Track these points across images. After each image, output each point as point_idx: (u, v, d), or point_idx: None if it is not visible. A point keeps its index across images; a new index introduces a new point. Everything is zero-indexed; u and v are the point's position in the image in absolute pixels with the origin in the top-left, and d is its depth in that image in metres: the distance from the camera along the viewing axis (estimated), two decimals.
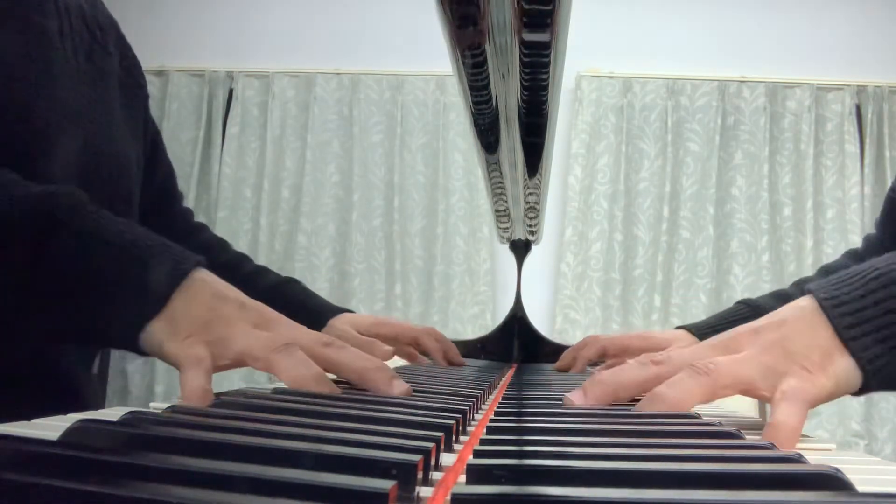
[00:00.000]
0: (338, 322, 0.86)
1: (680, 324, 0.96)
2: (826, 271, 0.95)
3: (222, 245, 0.90)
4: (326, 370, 0.49)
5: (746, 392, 0.46)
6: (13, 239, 0.47)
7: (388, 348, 0.75)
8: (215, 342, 0.48)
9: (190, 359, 0.46)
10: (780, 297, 0.87)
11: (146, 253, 0.49)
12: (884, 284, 0.44)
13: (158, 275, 0.48)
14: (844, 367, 0.43)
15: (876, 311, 0.43)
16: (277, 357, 0.47)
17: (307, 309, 0.87)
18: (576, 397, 0.48)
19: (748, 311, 0.90)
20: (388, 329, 0.88)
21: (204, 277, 0.50)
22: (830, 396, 0.44)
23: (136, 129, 0.77)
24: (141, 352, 0.49)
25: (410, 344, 0.91)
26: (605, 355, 0.90)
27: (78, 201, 0.50)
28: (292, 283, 0.90)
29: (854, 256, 0.96)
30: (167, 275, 0.48)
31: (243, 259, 0.90)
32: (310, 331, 0.52)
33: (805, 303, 0.46)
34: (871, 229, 1.02)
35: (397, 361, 0.89)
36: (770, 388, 0.44)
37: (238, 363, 0.48)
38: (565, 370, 0.93)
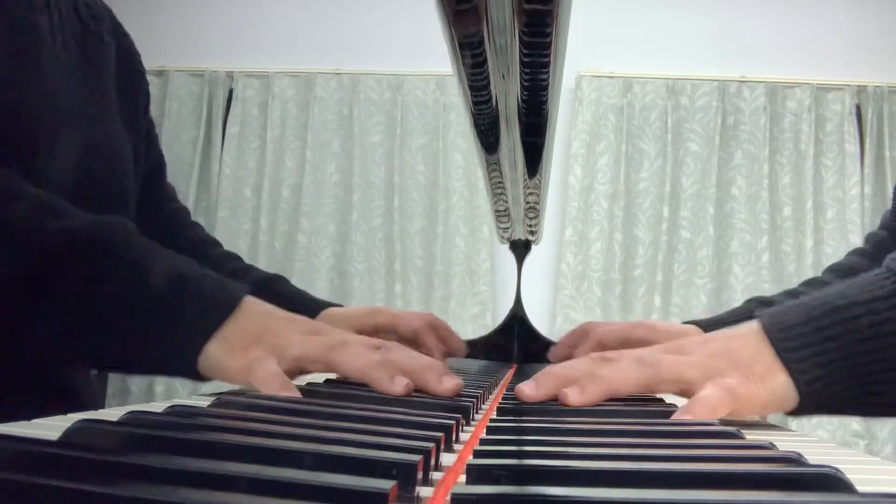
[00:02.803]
0: (328, 318, 0.83)
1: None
2: (832, 271, 0.94)
3: (212, 243, 0.89)
4: None
5: (685, 391, 0.48)
6: (68, 269, 0.49)
7: None
8: (273, 350, 0.49)
9: (255, 359, 0.48)
10: (792, 296, 0.87)
11: (199, 281, 0.51)
12: (825, 313, 0.47)
13: (212, 301, 0.50)
14: (782, 383, 0.46)
15: (816, 337, 0.46)
16: (335, 354, 0.49)
17: (291, 304, 0.86)
18: (528, 388, 0.49)
19: (759, 307, 0.89)
20: (384, 318, 0.83)
21: (252, 301, 0.52)
22: (762, 406, 0.47)
23: (133, 120, 0.76)
24: (198, 376, 0.50)
25: (409, 337, 0.85)
26: (604, 348, 0.88)
27: (130, 232, 0.52)
28: (279, 279, 0.89)
29: (862, 255, 0.95)
30: (220, 300, 0.50)
31: (232, 256, 0.89)
32: (358, 335, 0.53)
33: (753, 325, 0.49)
34: (870, 229, 1.01)
35: None
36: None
37: (296, 369, 0.50)
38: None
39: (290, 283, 0.89)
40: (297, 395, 0.46)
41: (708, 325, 0.87)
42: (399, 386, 0.46)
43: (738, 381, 0.46)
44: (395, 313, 0.84)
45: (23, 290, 0.48)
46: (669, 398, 0.64)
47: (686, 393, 0.49)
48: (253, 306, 0.52)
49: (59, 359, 0.53)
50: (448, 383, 0.49)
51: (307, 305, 0.85)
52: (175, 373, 0.51)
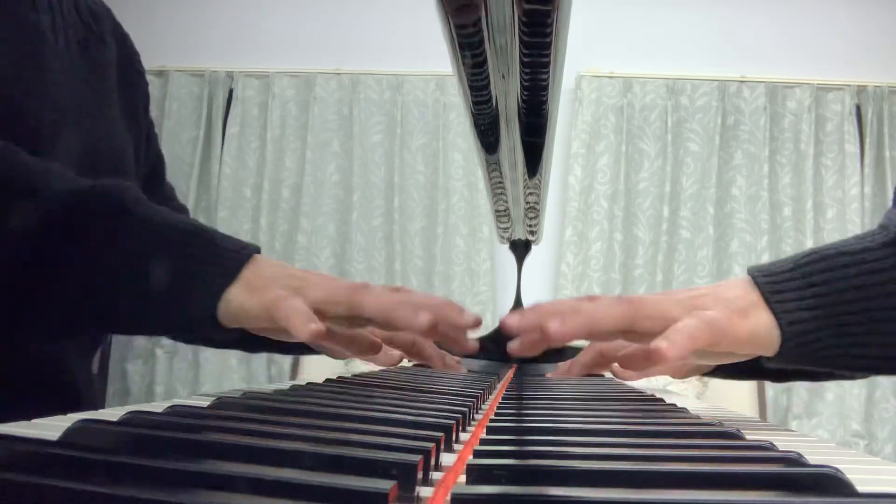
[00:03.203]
0: None
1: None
2: None
3: None
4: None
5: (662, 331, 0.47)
6: (81, 228, 0.48)
7: (396, 353, 0.74)
8: (294, 290, 0.48)
9: (277, 297, 0.47)
10: None
11: (214, 234, 0.51)
12: (812, 261, 0.47)
13: (229, 250, 0.50)
14: (765, 321, 0.46)
15: (801, 283, 0.46)
16: (358, 295, 0.48)
17: None
18: (511, 319, 0.47)
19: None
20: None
21: (265, 257, 0.52)
22: (744, 341, 0.46)
23: (134, 120, 0.76)
24: (218, 326, 0.49)
25: (406, 346, 0.81)
26: (604, 357, 0.88)
27: (139, 193, 0.52)
28: None
29: None
30: (236, 250, 0.50)
31: None
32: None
33: (740, 277, 0.50)
34: (871, 229, 1.00)
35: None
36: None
37: (318, 311, 0.48)
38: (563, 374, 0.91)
39: None
40: (323, 328, 0.45)
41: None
42: (423, 319, 0.46)
43: (720, 313, 0.46)
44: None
45: (37, 251, 0.48)
46: (670, 399, 0.64)
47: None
48: (268, 260, 0.52)
49: (77, 323, 0.52)
50: (469, 316, 0.48)
51: None
52: (195, 324, 0.50)
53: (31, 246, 0.48)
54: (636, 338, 0.48)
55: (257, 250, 0.52)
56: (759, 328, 0.46)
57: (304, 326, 0.45)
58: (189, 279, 0.48)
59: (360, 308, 0.48)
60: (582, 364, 0.88)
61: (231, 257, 0.50)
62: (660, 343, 0.43)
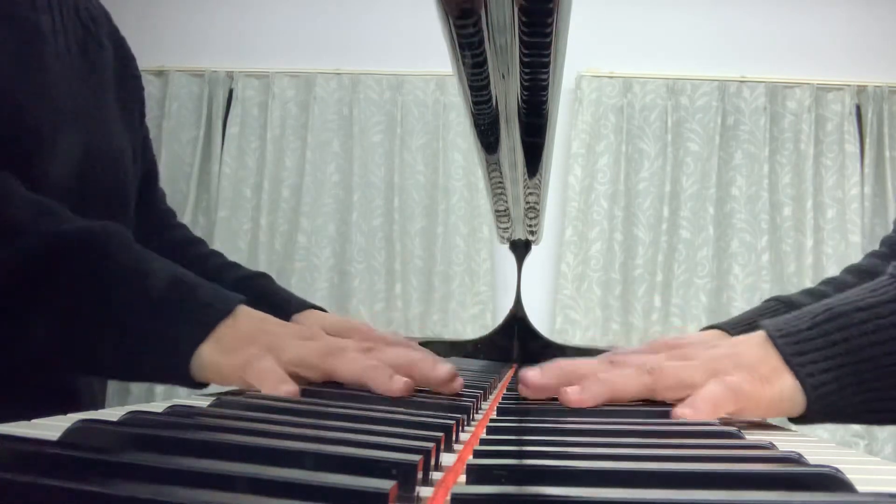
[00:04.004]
0: (306, 320, 0.82)
1: (680, 324, 0.94)
2: (851, 272, 0.92)
3: (197, 241, 0.88)
4: None
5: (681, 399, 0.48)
6: (62, 272, 0.48)
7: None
8: (268, 350, 0.49)
9: (251, 356, 0.47)
10: (812, 294, 0.86)
11: (194, 287, 0.51)
12: (829, 318, 0.47)
13: (206, 304, 0.50)
14: (790, 385, 0.46)
15: (821, 342, 0.46)
16: (332, 360, 0.49)
17: (272, 302, 0.83)
18: (532, 374, 0.50)
19: (780, 306, 0.88)
20: (358, 336, 0.83)
21: (247, 309, 0.52)
22: (768, 408, 0.46)
23: (131, 123, 0.76)
24: (192, 381, 0.49)
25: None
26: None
27: (125, 237, 0.51)
28: (262, 276, 0.87)
29: (881, 257, 0.94)
30: (215, 303, 0.50)
31: (216, 254, 0.88)
32: (351, 340, 0.53)
33: (758, 333, 0.49)
34: (871, 229, 1.00)
35: None
36: None
37: (292, 372, 0.49)
38: None
39: (274, 281, 0.87)
40: (296, 389, 0.45)
41: (731, 329, 0.87)
42: (398, 384, 0.46)
43: (743, 379, 0.46)
44: (369, 335, 0.82)
45: (16, 292, 0.48)
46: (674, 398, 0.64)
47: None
48: (248, 312, 0.51)
49: (53, 364, 0.52)
50: (442, 369, 0.49)
51: (289, 304, 0.84)
52: (169, 378, 0.50)
53: (12, 283, 0.48)
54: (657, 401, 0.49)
55: (241, 301, 0.52)
56: (784, 394, 0.46)
57: (276, 389, 0.45)
58: (163, 333, 0.48)
59: (333, 374, 0.49)
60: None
61: (207, 312, 0.49)
62: (684, 410, 0.44)
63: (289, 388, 0.45)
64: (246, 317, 0.51)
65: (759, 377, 0.46)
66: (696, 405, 0.44)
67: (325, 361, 0.49)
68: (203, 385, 0.50)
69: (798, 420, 0.48)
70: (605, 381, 0.47)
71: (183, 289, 0.50)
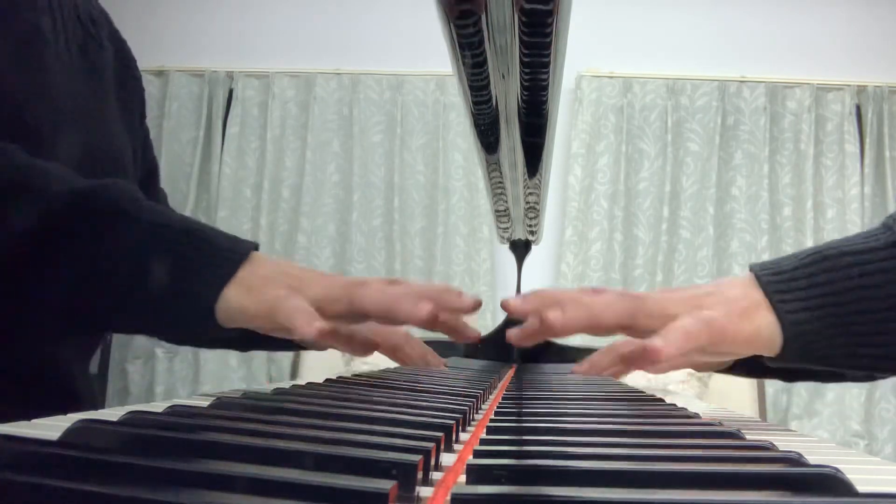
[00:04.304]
0: None
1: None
2: None
3: None
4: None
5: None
6: (78, 230, 0.48)
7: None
8: (293, 289, 0.48)
9: (277, 296, 0.47)
10: None
11: (210, 233, 0.51)
12: (815, 261, 0.47)
13: (225, 249, 0.50)
14: (768, 321, 0.46)
15: (804, 282, 0.46)
16: (357, 291, 0.49)
17: None
18: (514, 300, 0.49)
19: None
20: (365, 327, 0.82)
21: (264, 254, 0.52)
22: (745, 342, 0.46)
23: (131, 123, 0.76)
24: (217, 326, 0.49)
25: (391, 350, 0.83)
26: (623, 363, 0.85)
27: (136, 192, 0.52)
28: None
29: None
30: (233, 248, 0.50)
31: None
32: (376, 278, 0.53)
33: (744, 274, 0.49)
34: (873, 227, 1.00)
35: (380, 363, 0.88)
36: None
37: (317, 308, 0.48)
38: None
39: None
40: (327, 327, 0.45)
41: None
42: (423, 310, 0.46)
43: (720, 313, 0.46)
44: (375, 326, 0.83)
45: (34, 250, 0.48)
46: (669, 399, 0.64)
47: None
48: (265, 256, 0.52)
49: (74, 322, 0.52)
50: (468, 300, 0.49)
51: None
52: (195, 325, 0.50)
53: (28, 244, 0.48)
54: (637, 335, 0.48)
55: (255, 247, 0.52)
56: (761, 328, 0.46)
57: (309, 326, 0.45)
58: (186, 280, 0.48)
59: (360, 304, 0.49)
60: (600, 367, 0.86)
61: (228, 256, 0.49)
62: (655, 341, 0.43)
63: (320, 325, 0.45)
64: (265, 259, 0.51)
65: (738, 312, 0.46)
66: (667, 337, 0.43)
67: (352, 293, 0.49)
68: (228, 331, 0.50)
69: (775, 359, 0.47)
70: (587, 305, 0.46)
71: (200, 236, 0.50)
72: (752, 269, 0.49)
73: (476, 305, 0.49)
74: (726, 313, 0.46)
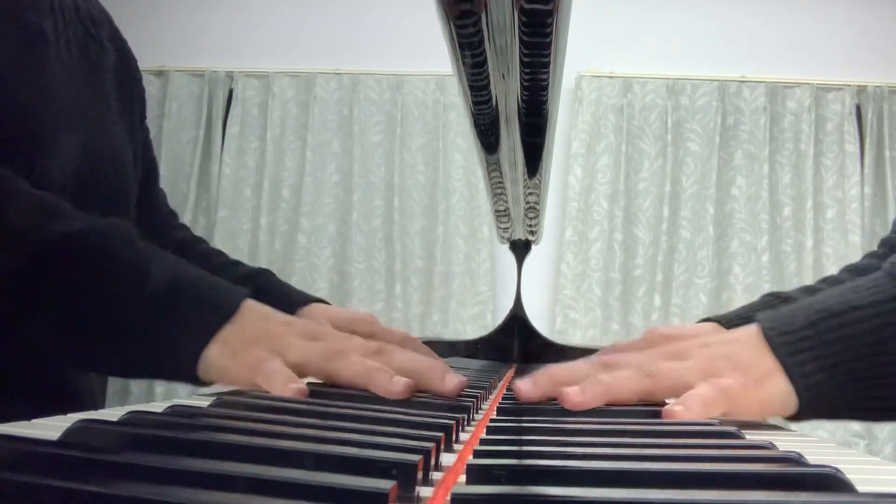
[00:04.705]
0: (310, 314, 0.81)
1: (679, 323, 0.93)
2: (850, 271, 0.91)
3: (198, 241, 0.88)
4: None
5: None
6: (66, 271, 0.48)
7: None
8: (273, 352, 0.49)
9: (258, 359, 0.48)
10: (810, 291, 0.85)
11: (199, 285, 0.51)
12: (825, 317, 0.47)
13: (212, 304, 0.50)
14: (782, 388, 0.46)
15: (816, 341, 0.46)
16: (335, 364, 0.49)
17: (276, 297, 0.84)
18: (524, 386, 0.49)
19: (778, 302, 0.87)
20: (365, 328, 0.80)
21: (252, 305, 0.52)
22: (760, 410, 0.47)
23: (132, 124, 0.76)
24: (197, 381, 0.49)
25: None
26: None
27: (130, 235, 0.51)
28: (264, 272, 0.88)
29: (879, 258, 0.92)
30: (220, 304, 0.50)
31: (217, 252, 0.88)
32: (360, 339, 0.53)
33: (752, 329, 0.49)
34: (871, 229, 1.00)
35: None
36: None
37: (297, 371, 0.49)
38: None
39: (276, 276, 0.88)
40: (304, 389, 0.46)
41: (727, 323, 0.86)
42: (398, 386, 0.46)
43: (735, 381, 0.46)
44: (374, 327, 0.82)
45: (20, 291, 0.48)
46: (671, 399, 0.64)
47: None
48: (253, 310, 0.51)
49: (56, 362, 0.53)
50: (451, 382, 0.49)
51: (292, 299, 0.84)
52: (174, 377, 0.51)
53: (16, 286, 0.48)
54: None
55: (245, 296, 0.52)
56: (776, 396, 0.46)
57: (284, 387, 0.45)
58: (168, 335, 0.48)
59: (336, 377, 0.49)
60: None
61: (214, 314, 0.49)
62: (675, 408, 0.44)
63: (297, 387, 0.45)
64: (251, 315, 0.51)
65: (753, 379, 0.46)
66: (687, 404, 0.44)
67: (328, 365, 0.49)
68: (209, 383, 0.51)
69: (791, 419, 0.48)
70: (604, 383, 0.47)
71: (187, 289, 0.50)
72: (762, 327, 0.49)
73: (458, 389, 0.49)
74: (742, 382, 0.46)
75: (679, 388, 0.47)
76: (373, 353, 0.51)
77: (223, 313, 0.49)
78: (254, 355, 0.48)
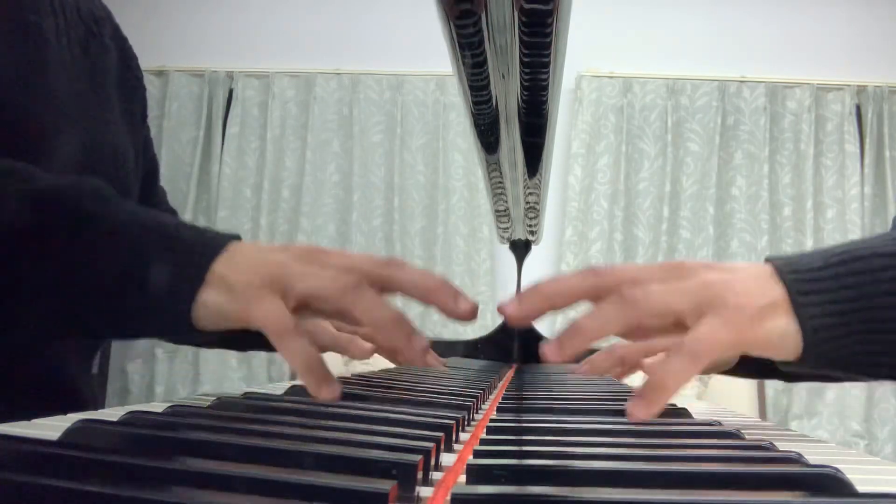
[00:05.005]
0: None
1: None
2: None
3: None
4: (392, 290, 0.45)
5: (677, 322, 0.43)
6: (39, 236, 0.46)
7: (368, 346, 0.72)
8: (273, 284, 0.44)
9: (253, 297, 0.43)
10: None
11: (179, 230, 0.47)
12: (844, 261, 0.42)
13: (197, 244, 0.46)
14: (784, 326, 0.41)
15: (832, 283, 0.42)
16: (351, 299, 0.43)
17: None
18: (510, 307, 0.44)
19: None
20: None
21: (241, 243, 0.48)
22: (754, 344, 0.42)
23: (133, 123, 0.76)
24: (195, 331, 0.45)
25: (388, 347, 0.81)
26: (625, 364, 0.80)
27: (102, 189, 0.48)
28: None
29: None
30: (205, 246, 0.46)
31: None
32: (362, 254, 0.48)
33: (764, 265, 0.44)
34: (871, 229, 0.99)
35: (379, 363, 0.88)
36: (695, 322, 0.41)
37: (304, 308, 0.44)
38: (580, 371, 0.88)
39: None
40: (304, 338, 0.42)
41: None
42: (418, 346, 0.42)
43: (727, 322, 0.41)
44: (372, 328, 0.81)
45: (5, 256, 0.45)
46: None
47: (677, 325, 0.42)
48: (242, 247, 0.47)
49: (56, 326, 0.49)
50: (466, 303, 0.44)
51: None
52: (171, 330, 0.48)
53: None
54: (641, 333, 0.44)
55: (233, 238, 0.48)
56: (774, 336, 0.41)
57: (282, 338, 0.42)
58: (158, 283, 0.45)
59: (351, 314, 0.44)
60: (601, 369, 0.84)
61: (201, 253, 0.45)
62: (633, 410, 0.38)
63: (295, 340, 0.42)
64: (241, 248, 0.47)
65: (752, 314, 0.41)
66: (667, 373, 0.39)
67: (344, 299, 0.43)
68: (212, 333, 0.46)
69: (790, 364, 0.43)
70: (583, 330, 0.42)
71: (168, 232, 0.46)
72: (774, 262, 0.44)
73: (471, 314, 0.44)
74: (738, 322, 0.41)
75: (666, 316, 0.42)
76: (384, 266, 0.45)
77: (210, 251, 0.46)
78: (251, 293, 0.44)
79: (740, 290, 0.42)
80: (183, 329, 0.45)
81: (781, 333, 0.41)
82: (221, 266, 0.45)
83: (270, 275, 0.44)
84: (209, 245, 0.46)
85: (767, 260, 0.44)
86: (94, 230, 0.46)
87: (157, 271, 0.45)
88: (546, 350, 0.41)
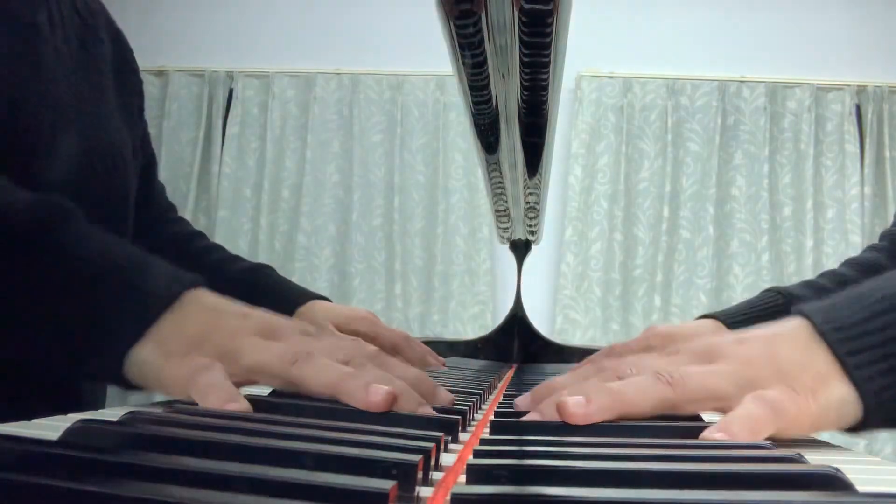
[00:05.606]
0: (310, 311, 0.78)
1: (680, 323, 0.92)
2: (851, 265, 0.86)
3: (198, 235, 0.87)
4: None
5: (720, 408, 0.39)
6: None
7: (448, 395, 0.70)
8: (221, 356, 0.41)
9: (196, 367, 0.40)
10: (811, 286, 0.83)
11: (134, 272, 0.42)
12: (887, 309, 0.38)
13: (147, 293, 0.41)
14: (841, 395, 0.38)
15: (881, 337, 0.38)
16: (298, 369, 0.40)
17: (275, 294, 0.81)
18: (522, 400, 0.44)
19: (780, 298, 0.82)
20: (366, 327, 0.78)
21: (199, 295, 0.44)
22: (814, 425, 0.39)
23: (130, 117, 0.76)
24: (132, 385, 0.42)
25: (388, 349, 0.78)
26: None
27: (68, 214, 0.44)
28: (263, 268, 0.85)
29: (880, 251, 0.87)
30: (156, 295, 0.42)
31: (216, 248, 0.87)
32: (328, 339, 0.46)
33: (798, 323, 0.40)
34: (871, 229, 0.99)
35: None
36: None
37: (250, 380, 0.42)
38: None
39: (276, 272, 0.86)
40: (247, 407, 0.38)
41: (728, 320, 0.80)
42: (377, 396, 0.37)
43: (784, 394, 0.37)
44: (376, 326, 0.79)
45: None
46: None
47: (721, 409, 0.39)
48: (198, 300, 0.43)
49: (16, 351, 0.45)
50: (444, 398, 0.42)
51: (291, 296, 0.81)
52: (104, 379, 0.45)
53: None
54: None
55: (193, 283, 0.43)
56: (833, 407, 0.38)
57: (222, 407, 0.37)
58: (97, 328, 0.41)
59: (301, 385, 0.41)
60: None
61: (148, 305, 0.41)
62: (715, 434, 0.35)
63: (236, 406, 0.37)
64: (195, 307, 0.42)
65: (804, 388, 0.37)
66: (730, 430, 0.35)
67: (291, 370, 0.40)
68: (143, 388, 0.43)
69: (851, 430, 0.40)
70: (616, 392, 0.38)
71: (123, 274, 0.42)
72: (812, 320, 0.39)
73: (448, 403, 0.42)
74: (792, 396, 0.37)
75: (708, 400, 0.39)
76: (342, 359, 0.42)
77: (158, 305, 0.41)
78: (193, 361, 0.40)
79: (785, 365, 0.38)
80: (116, 383, 0.42)
81: (839, 402, 0.38)
82: (168, 324, 0.41)
83: (218, 344, 0.41)
84: (159, 295, 0.42)
85: (798, 312, 0.40)
86: (47, 253, 0.42)
87: (98, 314, 0.41)
88: (570, 404, 0.37)
